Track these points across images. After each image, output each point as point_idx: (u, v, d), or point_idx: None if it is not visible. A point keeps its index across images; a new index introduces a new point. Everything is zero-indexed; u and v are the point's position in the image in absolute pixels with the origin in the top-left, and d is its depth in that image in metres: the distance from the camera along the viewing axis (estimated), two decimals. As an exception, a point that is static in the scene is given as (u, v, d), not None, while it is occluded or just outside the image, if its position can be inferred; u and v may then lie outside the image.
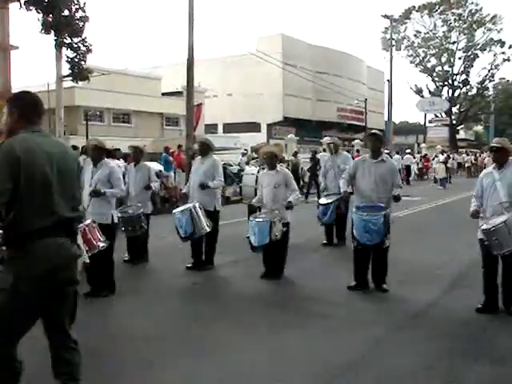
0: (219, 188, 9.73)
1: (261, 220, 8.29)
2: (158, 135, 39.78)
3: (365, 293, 7.68)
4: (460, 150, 54.06)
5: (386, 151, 37.11)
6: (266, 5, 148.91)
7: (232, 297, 7.85)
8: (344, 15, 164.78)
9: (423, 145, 50.91)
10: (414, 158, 38.04)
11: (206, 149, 9.50)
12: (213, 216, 9.14)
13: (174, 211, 9.20)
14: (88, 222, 7.20)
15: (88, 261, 6.83)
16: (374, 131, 8.54)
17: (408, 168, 34.15)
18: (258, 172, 12.25)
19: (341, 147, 11.95)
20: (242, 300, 7.61)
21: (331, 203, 10.79)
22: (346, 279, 7.97)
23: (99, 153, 7.85)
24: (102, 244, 7.13)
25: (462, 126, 71.66)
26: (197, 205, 8.86)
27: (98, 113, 36.82)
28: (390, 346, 5.75)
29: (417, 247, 11.25)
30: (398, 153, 37.55)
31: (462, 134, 73.60)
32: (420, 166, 37.88)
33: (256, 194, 11.83)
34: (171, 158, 20.76)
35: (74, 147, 15.84)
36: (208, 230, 8.85)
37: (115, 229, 7.86)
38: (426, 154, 40.82)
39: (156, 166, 20.05)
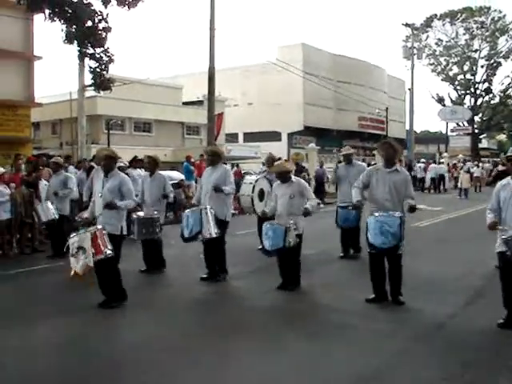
0: (231, 198, 9.54)
1: (276, 224, 8.21)
2: (179, 144, 39.99)
3: (383, 304, 7.57)
4: (482, 159, 53.51)
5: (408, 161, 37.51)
6: (287, 14, 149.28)
7: (249, 308, 7.78)
8: (365, 24, 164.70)
9: (445, 154, 50.51)
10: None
11: (217, 158, 9.38)
12: (222, 225, 8.99)
13: (186, 211, 9.15)
14: (99, 226, 7.29)
15: (92, 264, 6.95)
16: (387, 139, 8.35)
17: (442, 177, 34.28)
18: (257, 181, 12.28)
19: (355, 157, 11.74)
20: (259, 311, 7.58)
21: (348, 207, 10.56)
22: (364, 291, 7.84)
23: (110, 162, 7.83)
24: (108, 251, 7.16)
25: (485, 135, 70.94)
26: (208, 207, 8.78)
27: (119, 122, 37.12)
28: (411, 358, 5.71)
29: (437, 258, 11.13)
30: (418, 162, 37.59)
31: (484, 143, 72.88)
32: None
33: (253, 204, 11.91)
34: (192, 168, 20.84)
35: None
36: (214, 235, 8.71)
37: (122, 240, 7.80)
38: (455, 163, 40.50)
39: (177, 175, 20.20)
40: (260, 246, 11.63)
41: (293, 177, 8.67)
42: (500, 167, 31.88)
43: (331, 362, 5.58)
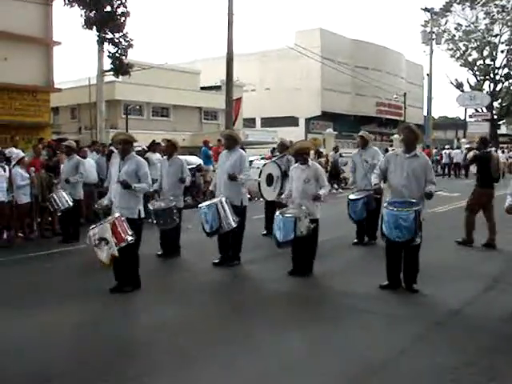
0: (246, 183, 9.48)
1: (286, 216, 8.10)
2: (197, 129, 40.09)
3: (398, 291, 7.51)
4: (501, 145, 52.99)
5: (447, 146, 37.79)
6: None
7: (264, 291, 7.78)
8: (383, 9, 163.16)
9: (463, 140, 50.10)
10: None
11: (233, 142, 9.32)
12: (239, 211, 8.97)
13: (199, 206, 9.11)
14: (117, 215, 7.32)
15: (117, 253, 7.01)
16: (408, 124, 8.14)
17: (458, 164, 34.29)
18: (264, 165, 12.23)
19: (371, 142, 11.62)
20: (274, 295, 7.62)
21: (360, 199, 10.63)
22: (378, 277, 7.77)
23: (127, 146, 7.82)
24: (130, 238, 7.19)
25: (504, 121, 70.18)
26: (223, 199, 8.75)
27: (137, 107, 37.27)
28: (429, 342, 5.72)
29: (454, 244, 11.04)
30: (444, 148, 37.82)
31: (503, 130, 72.12)
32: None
33: (260, 189, 11.88)
34: (211, 152, 20.90)
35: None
36: (234, 225, 8.73)
37: (142, 224, 7.80)
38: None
39: (195, 160, 20.29)
40: (264, 232, 11.75)
41: (310, 161, 8.64)
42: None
43: (346, 346, 5.62)
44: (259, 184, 11.83)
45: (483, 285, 7.98)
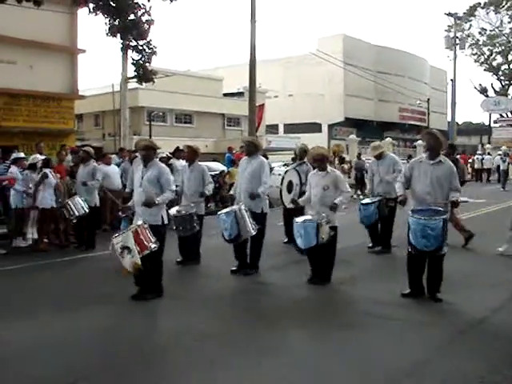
0: (266, 190, 9.26)
1: (307, 221, 8.00)
2: (220, 136, 40.21)
3: (421, 298, 7.40)
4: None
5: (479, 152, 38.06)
6: (328, 5, 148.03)
7: (285, 298, 7.73)
8: (406, 14, 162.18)
9: (488, 145, 49.63)
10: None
11: (253, 149, 9.24)
12: (259, 219, 8.87)
13: (218, 213, 9.02)
14: (140, 222, 7.28)
15: (139, 262, 6.97)
16: (431, 129, 7.99)
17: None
18: (286, 172, 12.06)
19: (385, 150, 11.37)
20: (296, 301, 7.58)
21: (372, 203, 10.57)
22: (399, 284, 7.69)
23: (150, 153, 7.79)
24: (153, 245, 7.15)
25: (529, 126, 69.43)
26: (242, 207, 8.65)
27: (160, 113, 37.48)
28: (455, 350, 5.67)
29: (481, 251, 10.96)
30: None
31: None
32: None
33: (281, 196, 11.73)
34: (234, 158, 21.03)
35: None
36: (253, 233, 8.62)
37: (165, 230, 7.77)
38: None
39: (218, 167, 20.38)
40: (285, 240, 11.63)
41: (329, 167, 8.52)
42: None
43: (370, 352, 5.58)
44: (280, 191, 11.72)
45: (509, 292, 7.88)
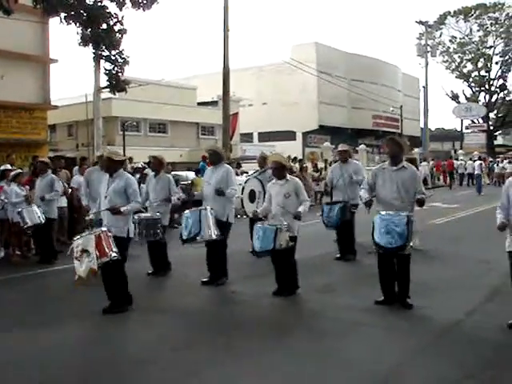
0: (233, 199, 9.26)
1: (267, 225, 7.87)
2: (194, 145, 40.16)
3: (395, 305, 7.35)
4: (498, 155, 53.14)
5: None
6: (300, 14, 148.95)
7: (257, 309, 7.63)
8: (378, 22, 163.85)
9: (460, 151, 50.24)
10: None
11: (217, 157, 9.15)
12: (223, 227, 8.72)
13: (183, 212, 8.82)
14: (104, 228, 7.11)
15: (96, 268, 6.74)
16: (393, 136, 7.98)
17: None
18: (246, 182, 11.83)
19: (351, 155, 11.39)
20: (269, 312, 7.54)
21: (336, 203, 10.47)
22: (373, 291, 7.62)
23: (113, 164, 7.61)
24: (114, 254, 6.91)
25: (500, 131, 70.51)
26: (209, 208, 8.54)
27: (134, 123, 37.30)
28: (430, 355, 5.69)
29: (453, 256, 11.01)
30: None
31: (499, 140, 72.36)
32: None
33: (243, 206, 11.43)
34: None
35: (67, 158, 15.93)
36: (214, 237, 8.44)
37: (129, 243, 7.61)
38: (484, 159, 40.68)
39: (191, 176, 20.30)
40: (251, 249, 11.52)
41: (288, 175, 8.33)
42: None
43: (345, 359, 5.58)
44: (242, 200, 11.48)
45: (484, 296, 7.95)
